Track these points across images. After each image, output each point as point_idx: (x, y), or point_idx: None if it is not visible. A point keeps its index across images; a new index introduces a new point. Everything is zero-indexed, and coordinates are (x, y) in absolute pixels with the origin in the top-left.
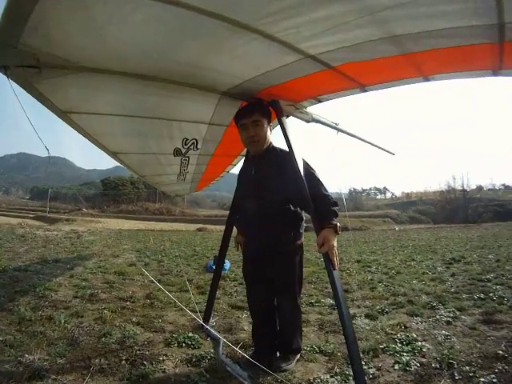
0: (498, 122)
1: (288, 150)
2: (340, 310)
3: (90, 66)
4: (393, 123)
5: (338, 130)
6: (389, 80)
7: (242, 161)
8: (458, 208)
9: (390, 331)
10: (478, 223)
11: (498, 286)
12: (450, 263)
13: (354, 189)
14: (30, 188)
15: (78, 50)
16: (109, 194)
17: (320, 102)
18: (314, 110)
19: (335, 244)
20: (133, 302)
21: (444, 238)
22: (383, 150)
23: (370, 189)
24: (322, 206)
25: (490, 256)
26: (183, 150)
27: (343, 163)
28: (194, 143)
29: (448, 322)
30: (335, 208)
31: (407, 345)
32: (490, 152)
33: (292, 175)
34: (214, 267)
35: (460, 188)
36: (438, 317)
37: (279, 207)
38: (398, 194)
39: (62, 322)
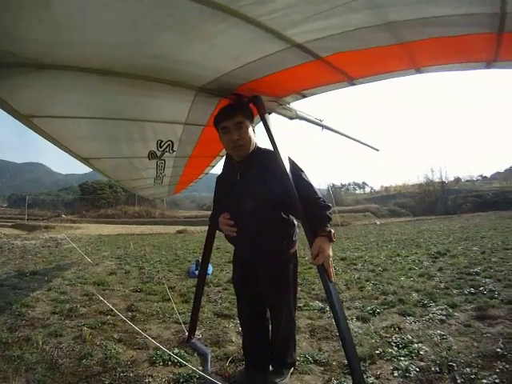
0: (473, 114)
1: (273, 149)
2: (339, 325)
3: (50, 63)
4: (369, 117)
5: (323, 126)
6: (379, 72)
7: (222, 161)
8: (438, 200)
9: (384, 334)
10: (457, 214)
11: (487, 280)
12: (436, 257)
13: (333, 184)
14: (7, 196)
15: (34, 45)
16: (87, 198)
17: (305, 97)
18: (296, 105)
19: (331, 253)
20: (114, 316)
21: (426, 230)
22: (367, 145)
23: (349, 184)
24: (313, 211)
25: (474, 248)
26: (158, 153)
27: (323, 159)
28: (169, 145)
29: (442, 321)
30: (328, 212)
31: (404, 348)
32: (466, 144)
33: (280, 178)
34: (196, 272)
35: (438, 180)
36: (430, 315)
37: (269, 214)
38: (377, 188)
39: (40, 343)
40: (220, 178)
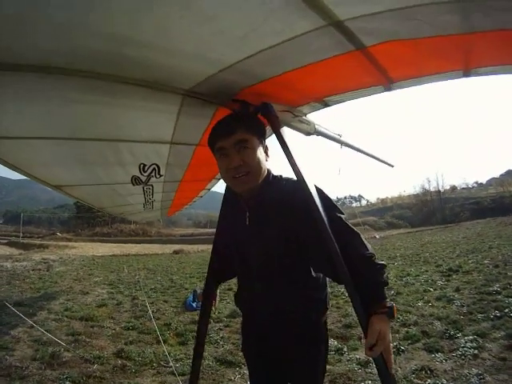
0: (465, 121)
1: (296, 178)
2: None
3: None
4: (363, 128)
5: (342, 143)
6: (423, 74)
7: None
8: (435, 209)
9: (415, 380)
10: (456, 223)
11: (511, 299)
12: (449, 275)
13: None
14: (2, 212)
15: None
16: (83, 216)
17: (327, 106)
18: (313, 117)
19: (390, 338)
20: (101, 365)
21: (429, 243)
22: (383, 162)
23: (345, 197)
24: (363, 274)
25: (485, 261)
26: (143, 178)
27: (319, 173)
28: (154, 169)
29: (474, 356)
30: (385, 276)
31: None
32: (460, 151)
33: (309, 221)
34: (193, 304)
35: (435, 190)
36: (461, 350)
37: (291, 273)
38: (373, 200)
39: None
40: (220, 217)
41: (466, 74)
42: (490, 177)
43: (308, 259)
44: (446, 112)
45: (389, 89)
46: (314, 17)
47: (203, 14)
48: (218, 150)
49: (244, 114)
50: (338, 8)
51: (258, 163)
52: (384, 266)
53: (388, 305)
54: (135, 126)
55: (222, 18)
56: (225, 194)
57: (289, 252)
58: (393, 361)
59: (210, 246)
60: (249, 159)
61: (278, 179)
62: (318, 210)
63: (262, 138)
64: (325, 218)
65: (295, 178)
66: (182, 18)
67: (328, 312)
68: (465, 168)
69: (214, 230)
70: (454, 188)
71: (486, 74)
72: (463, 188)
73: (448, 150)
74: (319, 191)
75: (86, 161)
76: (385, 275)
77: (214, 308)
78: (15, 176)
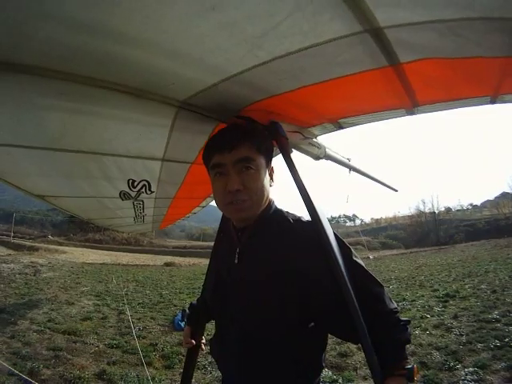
0: (460, 143)
1: (309, 214)
2: None
3: None
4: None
5: (351, 168)
6: (451, 98)
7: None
8: (429, 231)
9: None
10: (450, 245)
11: (511, 328)
12: (446, 300)
13: None
14: None
15: None
16: (76, 221)
17: (341, 128)
18: (323, 140)
19: None
20: None
21: (424, 265)
22: (388, 186)
23: (340, 216)
24: (386, 333)
25: (482, 286)
26: (132, 193)
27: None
28: (145, 185)
29: None
30: (407, 334)
31: None
32: (454, 173)
33: (319, 272)
34: (182, 324)
35: (429, 211)
36: (461, 383)
37: (283, 332)
38: (367, 220)
39: None
40: (213, 248)
41: (493, 101)
42: (485, 199)
43: (309, 320)
44: (441, 134)
45: (412, 113)
46: (351, 19)
47: (208, 1)
48: (213, 166)
49: (251, 127)
50: (380, 12)
51: (261, 189)
52: (409, 322)
53: (408, 366)
54: (122, 139)
55: (232, 9)
56: (220, 222)
57: (278, 305)
58: None
59: (202, 260)
60: (250, 183)
61: (281, 213)
62: (336, 257)
63: (269, 159)
64: (343, 267)
65: (305, 218)
66: (182, 8)
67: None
68: (459, 190)
69: (207, 244)
70: (448, 210)
71: (510, 101)
72: (458, 210)
73: (443, 172)
74: (341, 241)
75: (68, 173)
76: (406, 334)
77: (202, 349)
78: None
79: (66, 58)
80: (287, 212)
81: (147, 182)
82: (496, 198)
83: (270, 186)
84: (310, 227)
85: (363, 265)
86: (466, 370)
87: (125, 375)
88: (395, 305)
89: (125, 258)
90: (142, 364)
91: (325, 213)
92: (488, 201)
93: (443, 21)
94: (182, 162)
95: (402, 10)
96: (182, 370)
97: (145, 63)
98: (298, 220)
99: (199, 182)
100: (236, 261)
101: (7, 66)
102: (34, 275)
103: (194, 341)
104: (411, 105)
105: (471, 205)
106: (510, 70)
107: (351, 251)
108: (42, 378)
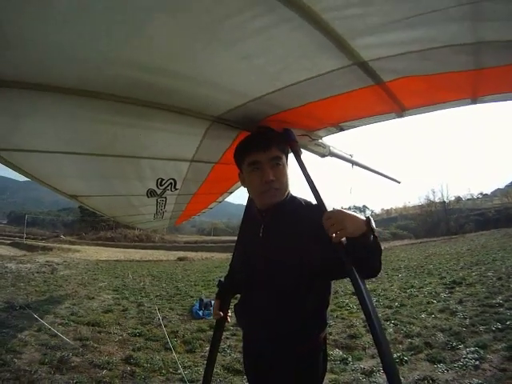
0: (471, 131)
1: (316, 200)
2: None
3: (6, 79)
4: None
5: (353, 163)
6: (434, 102)
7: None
8: (440, 220)
9: None
10: (460, 234)
11: None
12: (452, 287)
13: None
14: (7, 213)
15: None
16: (87, 220)
17: (342, 130)
18: (328, 140)
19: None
20: (110, 370)
21: (433, 254)
22: (390, 178)
23: (350, 208)
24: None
25: (489, 273)
26: (158, 191)
27: (324, 185)
28: (171, 184)
29: (476, 367)
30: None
31: None
32: (465, 161)
33: (325, 242)
34: (200, 312)
35: (439, 200)
36: (462, 361)
37: (298, 289)
38: (377, 211)
39: None
40: (240, 229)
41: (474, 102)
42: (495, 187)
43: (315, 276)
44: (451, 123)
45: (401, 116)
46: (342, 57)
47: (243, 51)
48: (251, 163)
49: (276, 134)
50: (363, 50)
51: (286, 181)
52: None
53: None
54: (160, 145)
55: (259, 56)
56: (246, 208)
57: (293, 269)
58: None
59: (214, 254)
60: (280, 176)
61: (295, 199)
62: None
63: (287, 157)
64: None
65: (312, 201)
66: (223, 55)
67: (328, 328)
68: (470, 179)
69: (218, 238)
70: (458, 199)
71: (492, 101)
72: (468, 199)
73: (453, 161)
74: None
75: (105, 174)
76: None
77: (228, 321)
78: (21, 177)
79: (129, 87)
80: (300, 198)
81: (174, 180)
82: (506, 186)
83: (289, 178)
84: (316, 208)
85: None
86: (467, 349)
87: (150, 359)
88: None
89: (137, 254)
90: (165, 349)
91: (329, 201)
92: (498, 189)
93: (414, 52)
94: (208, 162)
95: (379, 49)
96: (202, 354)
97: (192, 91)
98: (308, 203)
99: (220, 179)
100: (261, 235)
101: (87, 93)
102: (52, 273)
103: (221, 313)
104: (400, 110)
105: (481, 194)
106: (481, 79)
107: None
108: (73, 365)
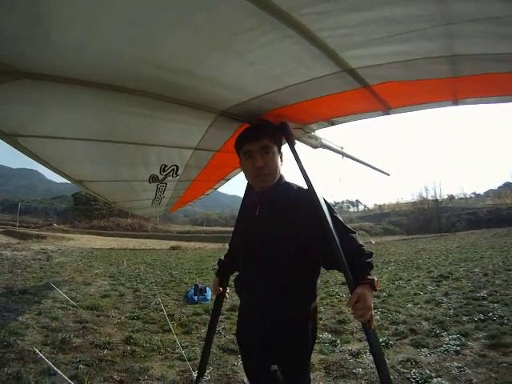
0: (466, 132)
1: (307, 186)
2: (380, 371)
3: (32, 72)
4: (363, 135)
5: (344, 154)
6: (417, 103)
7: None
8: (432, 218)
9: (401, 369)
10: (452, 232)
11: (495, 305)
12: (439, 280)
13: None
14: (0, 200)
15: (11, 46)
16: (80, 208)
17: (333, 124)
18: (320, 133)
19: (371, 303)
20: (111, 350)
21: (423, 250)
22: (379, 170)
23: (343, 202)
24: (356, 260)
25: (476, 269)
26: (160, 177)
27: (316, 174)
28: (173, 170)
29: (457, 352)
30: (370, 260)
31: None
32: (459, 161)
33: (314, 220)
34: (195, 297)
35: (432, 198)
36: (444, 346)
37: (290, 262)
38: (370, 206)
39: None
40: (239, 211)
41: (455, 103)
42: (488, 188)
43: (308, 249)
44: (447, 122)
45: (387, 113)
46: (332, 66)
47: (250, 59)
48: (244, 152)
49: (269, 126)
50: (352, 60)
51: (276, 167)
52: (371, 254)
53: (370, 278)
54: (168, 134)
55: (263, 63)
56: (245, 192)
57: (292, 242)
58: (374, 320)
59: (206, 244)
60: (269, 163)
61: (289, 184)
62: (325, 213)
63: (280, 147)
64: (329, 220)
65: (304, 186)
66: (233, 62)
67: (317, 300)
68: (463, 179)
69: (211, 229)
70: (451, 197)
71: (473, 103)
72: (461, 198)
73: (447, 160)
74: (326, 202)
75: (114, 160)
76: (370, 259)
77: (226, 297)
78: (14, 165)
79: (150, 83)
80: (293, 183)
81: (176, 166)
82: (499, 187)
83: (281, 165)
84: (307, 193)
85: (341, 219)
86: (450, 336)
87: (149, 339)
88: (362, 243)
89: (131, 243)
90: (163, 331)
91: (319, 186)
92: (491, 190)
93: (395, 62)
94: (209, 150)
95: (365, 59)
96: (198, 335)
97: (204, 89)
98: (299, 187)
99: (219, 166)
100: (257, 213)
101: (106, 86)
102: (47, 260)
103: (221, 288)
104: (385, 109)
105: (474, 194)
106: (459, 85)
107: (333, 210)
108: (75, 345)
